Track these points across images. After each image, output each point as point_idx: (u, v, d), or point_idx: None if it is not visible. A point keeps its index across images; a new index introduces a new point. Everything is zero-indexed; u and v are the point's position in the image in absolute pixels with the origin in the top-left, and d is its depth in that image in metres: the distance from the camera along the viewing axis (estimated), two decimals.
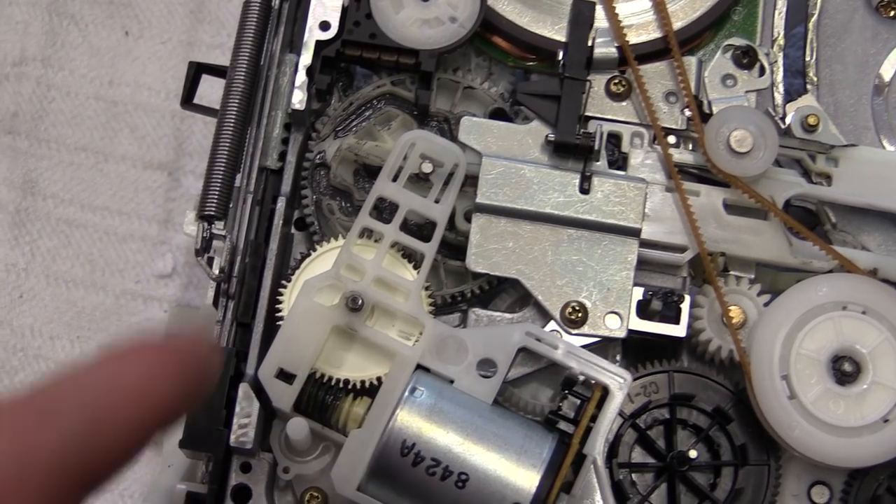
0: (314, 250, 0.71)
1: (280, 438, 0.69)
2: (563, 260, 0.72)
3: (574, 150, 0.73)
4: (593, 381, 0.68)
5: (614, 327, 0.71)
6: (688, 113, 0.75)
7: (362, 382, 0.68)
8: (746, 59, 0.76)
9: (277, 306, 0.69)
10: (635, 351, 0.73)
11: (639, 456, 0.72)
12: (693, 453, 0.71)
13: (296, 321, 0.68)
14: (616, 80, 0.75)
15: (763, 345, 0.70)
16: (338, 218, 0.73)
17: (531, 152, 0.73)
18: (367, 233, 0.70)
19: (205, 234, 0.71)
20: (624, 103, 0.75)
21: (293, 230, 0.75)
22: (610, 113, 0.75)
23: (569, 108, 0.73)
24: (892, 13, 0.80)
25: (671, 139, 0.75)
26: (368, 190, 0.72)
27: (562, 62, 0.74)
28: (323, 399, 0.68)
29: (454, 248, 0.73)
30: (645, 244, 0.73)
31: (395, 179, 0.69)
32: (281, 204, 0.73)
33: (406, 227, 0.71)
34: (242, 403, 0.68)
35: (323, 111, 0.75)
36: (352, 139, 0.74)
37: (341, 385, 0.68)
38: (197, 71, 0.79)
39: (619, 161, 0.75)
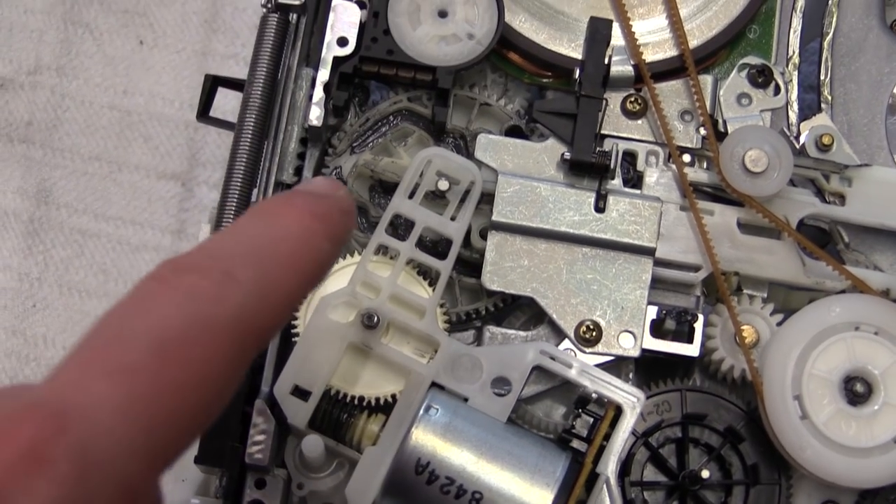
0: None
1: (295, 454, 0.70)
2: (578, 278, 0.72)
3: (590, 168, 0.73)
4: (606, 400, 0.68)
5: (628, 346, 0.72)
6: (703, 132, 0.75)
7: (377, 400, 0.68)
8: (762, 77, 0.76)
9: (293, 323, 0.70)
10: (648, 369, 0.74)
11: (651, 474, 0.72)
12: (706, 473, 0.71)
13: (311, 338, 0.68)
14: (632, 99, 0.75)
15: (775, 365, 0.70)
16: (353, 234, 0.73)
17: (547, 170, 0.73)
18: (382, 250, 0.70)
19: None
20: (639, 121, 0.75)
21: None
22: (625, 131, 0.75)
23: (585, 126, 0.73)
24: None
25: (686, 158, 0.75)
26: (384, 206, 0.72)
27: (578, 80, 0.74)
28: (338, 416, 0.68)
29: (469, 265, 0.73)
30: (659, 263, 0.73)
31: (411, 197, 0.70)
32: None
33: (422, 243, 0.71)
34: (257, 420, 0.68)
35: (339, 126, 0.75)
36: (368, 155, 0.74)
37: (356, 402, 0.68)
38: (213, 84, 0.79)
39: (634, 179, 0.75)
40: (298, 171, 0.74)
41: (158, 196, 0.94)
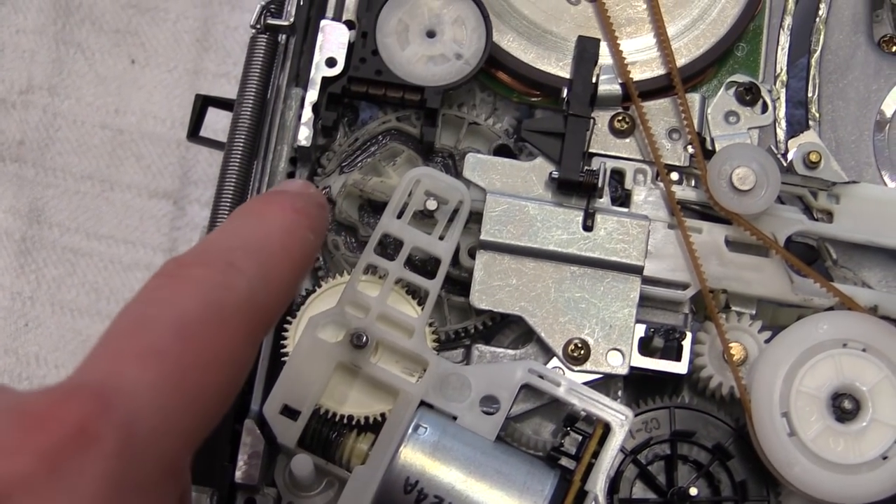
0: (319, 286, 0.71)
1: (284, 473, 0.70)
2: (566, 297, 0.72)
3: (578, 187, 0.73)
4: (595, 418, 0.68)
5: (616, 364, 0.72)
6: (690, 150, 0.75)
7: (366, 419, 0.68)
8: (749, 95, 0.77)
9: (282, 342, 0.70)
10: (637, 386, 0.74)
11: (640, 491, 0.73)
12: (694, 490, 0.71)
13: (300, 357, 0.68)
14: (619, 117, 0.76)
15: (763, 382, 0.71)
16: (342, 254, 0.74)
17: (535, 189, 0.74)
18: (371, 269, 0.70)
19: None
20: (627, 140, 0.76)
21: None
22: (613, 150, 0.76)
23: (573, 145, 0.74)
24: (894, 49, 0.80)
25: (674, 176, 0.75)
26: (373, 225, 0.72)
27: (566, 99, 0.75)
28: (327, 435, 0.69)
29: (458, 283, 0.73)
30: (647, 281, 0.73)
31: (399, 216, 0.70)
32: None
33: (410, 263, 0.71)
34: (247, 439, 0.68)
35: (328, 146, 0.76)
36: (357, 175, 0.74)
37: (345, 421, 0.68)
38: (203, 104, 0.80)
39: (622, 198, 0.75)
40: None
41: (150, 214, 0.94)
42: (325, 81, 0.74)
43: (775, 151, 0.76)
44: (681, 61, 0.77)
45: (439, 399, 0.68)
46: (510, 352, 0.73)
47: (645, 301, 0.73)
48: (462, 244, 0.73)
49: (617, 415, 0.68)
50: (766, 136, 0.77)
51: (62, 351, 0.91)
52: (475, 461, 0.66)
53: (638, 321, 0.72)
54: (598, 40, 0.76)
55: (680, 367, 0.72)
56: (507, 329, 0.74)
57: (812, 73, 0.79)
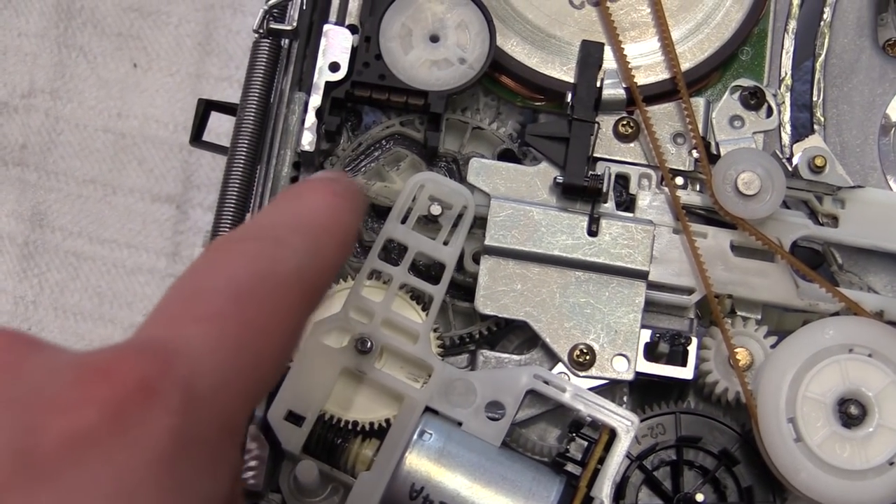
0: None
1: (289, 479, 0.70)
2: (571, 302, 0.72)
3: (582, 192, 0.73)
4: (601, 424, 0.68)
5: (622, 370, 0.72)
6: (695, 154, 0.75)
7: (371, 424, 0.68)
8: (754, 100, 0.76)
9: None
10: (642, 392, 0.74)
11: (645, 497, 0.72)
12: (700, 496, 0.71)
13: (305, 363, 0.68)
14: (624, 122, 0.75)
15: (769, 387, 0.70)
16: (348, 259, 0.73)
17: (539, 194, 0.74)
18: (375, 275, 0.70)
19: None
20: (632, 144, 0.75)
21: None
22: (618, 154, 0.75)
23: (577, 150, 0.73)
24: None
25: (679, 180, 0.75)
26: (377, 231, 0.72)
27: (570, 103, 0.74)
28: (332, 441, 0.68)
29: (463, 288, 0.73)
30: (652, 286, 0.73)
31: (404, 221, 0.70)
32: None
33: (415, 268, 0.71)
34: (251, 445, 0.68)
35: (332, 151, 0.76)
36: (361, 179, 0.74)
37: (350, 427, 0.68)
38: (206, 108, 0.79)
39: (626, 203, 0.75)
40: None
41: (153, 219, 0.94)
42: (329, 86, 0.74)
43: (780, 156, 0.76)
44: (685, 65, 0.77)
45: (444, 405, 0.68)
46: (515, 357, 0.72)
47: (650, 306, 0.73)
48: (466, 249, 0.72)
49: (623, 420, 0.68)
50: (771, 141, 0.77)
51: None
52: (481, 467, 0.66)
53: (643, 326, 0.72)
54: (603, 44, 0.75)
55: (685, 373, 0.72)
56: (512, 334, 0.74)
57: (817, 77, 0.79)
